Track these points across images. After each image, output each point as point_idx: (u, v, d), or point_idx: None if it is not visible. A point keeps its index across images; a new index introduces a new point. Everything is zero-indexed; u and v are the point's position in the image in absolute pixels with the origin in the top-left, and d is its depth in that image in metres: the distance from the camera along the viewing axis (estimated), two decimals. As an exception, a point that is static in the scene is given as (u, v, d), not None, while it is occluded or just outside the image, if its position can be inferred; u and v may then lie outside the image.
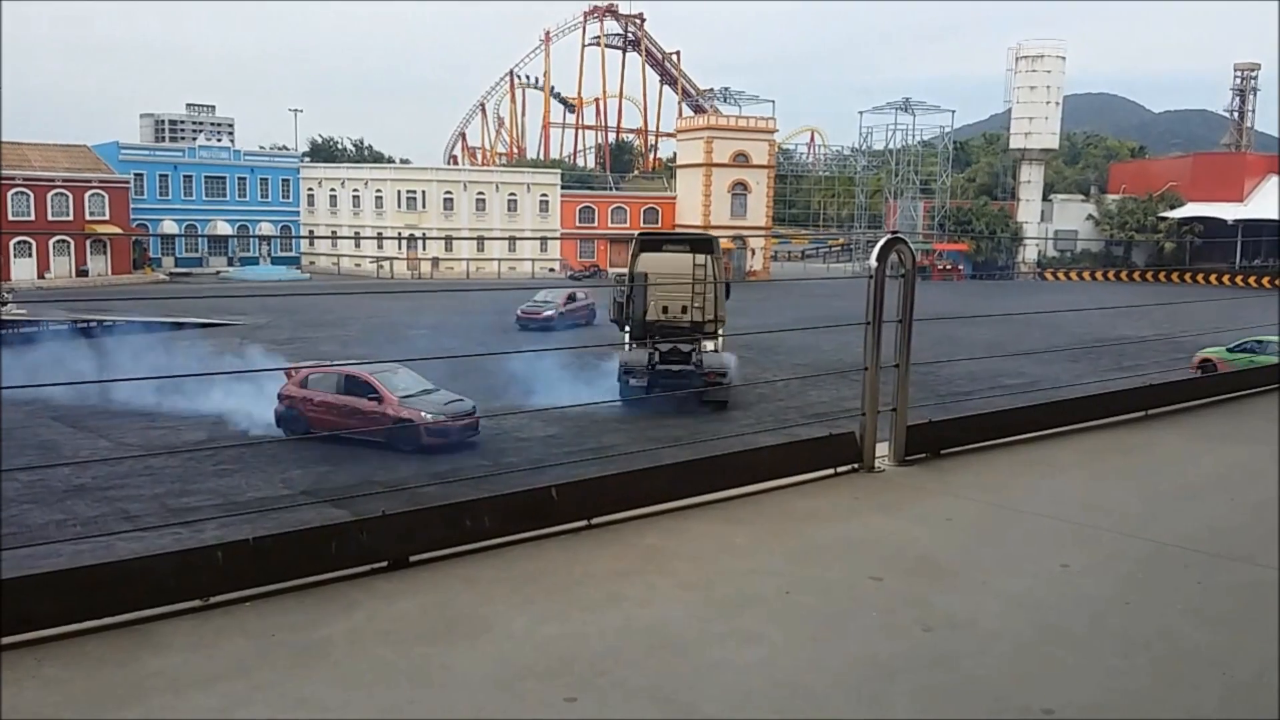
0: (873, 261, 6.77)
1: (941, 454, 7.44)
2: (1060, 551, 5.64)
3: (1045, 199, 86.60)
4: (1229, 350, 31.52)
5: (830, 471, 6.91)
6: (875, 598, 4.92)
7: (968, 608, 4.82)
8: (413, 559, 5.09)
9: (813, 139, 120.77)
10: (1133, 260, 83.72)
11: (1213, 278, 72.88)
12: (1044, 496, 6.80)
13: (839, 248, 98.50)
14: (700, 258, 29.24)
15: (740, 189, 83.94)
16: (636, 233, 39.15)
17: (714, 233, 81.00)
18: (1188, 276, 75.65)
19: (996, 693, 4.01)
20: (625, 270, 31.39)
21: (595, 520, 5.74)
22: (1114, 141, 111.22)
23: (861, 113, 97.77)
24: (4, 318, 43.56)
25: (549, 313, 43.89)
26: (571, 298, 46.05)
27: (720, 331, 28.76)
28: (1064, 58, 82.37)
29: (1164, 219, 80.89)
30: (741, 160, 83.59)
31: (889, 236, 6.85)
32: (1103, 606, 4.92)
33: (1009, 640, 4.49)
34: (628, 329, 29.01)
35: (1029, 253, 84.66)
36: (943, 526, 6.06)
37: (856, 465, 7.00)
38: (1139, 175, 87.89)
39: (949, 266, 79.43)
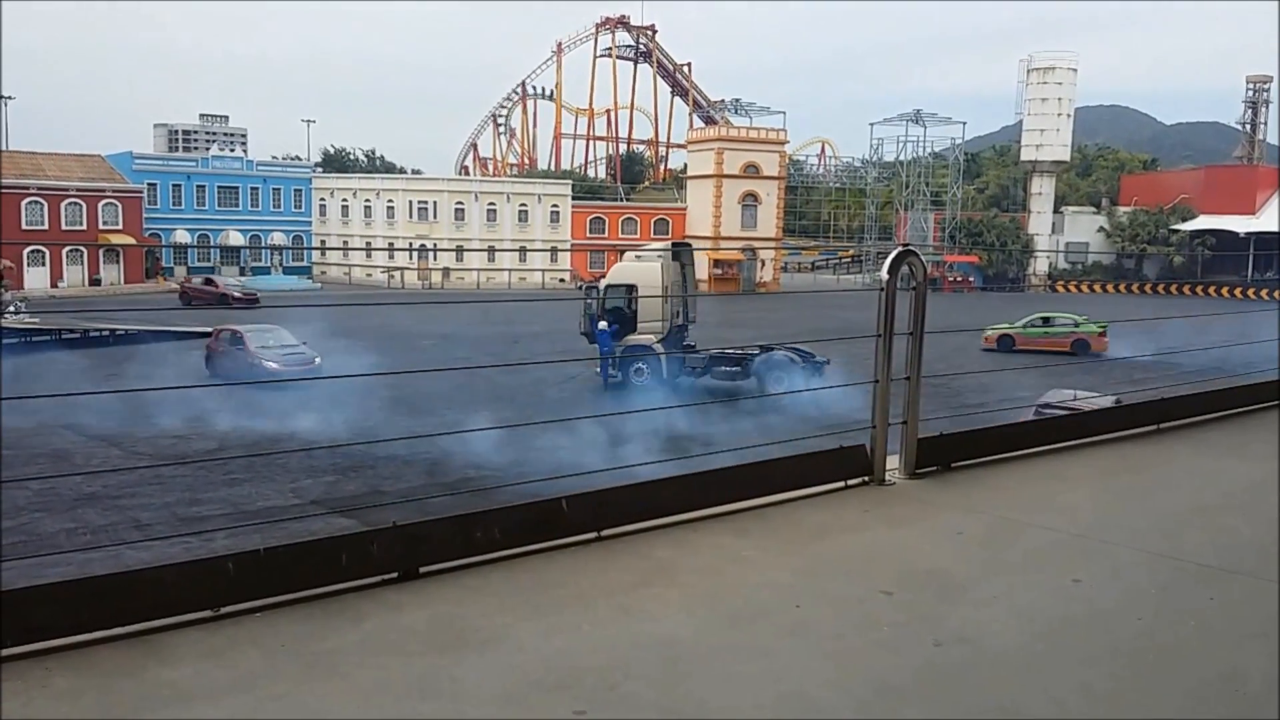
0: (884, 274, 6.75)
1: (952, 467, 7.41)
2: (1072, 566, 5.61)
3: (1056, 211, 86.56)
4: (1023, 326, 37.09)
5: (840, 484, 6.89)
6: (886, 612, 4.90)
7: (978, 622, 4.80)
8: (422, 570, 5.08)
9: (823, 150, 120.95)
10: (1144, 273, 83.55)
11: (1224, 290, 72.64)
12: (1055, 511, 6.76)
13: (849, 259, 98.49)
14: (682, 263, 33.68)
15: (751, 200, 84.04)
16: (671, 242, 40.74)
17: (724, 244, 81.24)
18: (1199, 289, 75.50)
19: (1008, 708, 3.99)
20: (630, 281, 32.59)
21: (605, 532, 5.74)
22: (1126, 154, 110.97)
23: (872, 124, 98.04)
24: (19, 326, 43.84)
25: (316, 359, 33.10)
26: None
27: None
28: (1075, 70, 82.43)
29: (1175, 232, 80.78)
30: (752, 171, 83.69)
31: (900, 249, 6.83)
32: (1115, 622, 4.89)
33: (1020, 655, 4.47)
34: (656, 333, 31.25)
35: (1040, 265, 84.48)
36: (953, 540, 6.04)
37: (866, 478, 6.97)
38: (1150, 187, 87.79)
39: (960, 278, 79.36)
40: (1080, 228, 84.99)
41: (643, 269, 32.91)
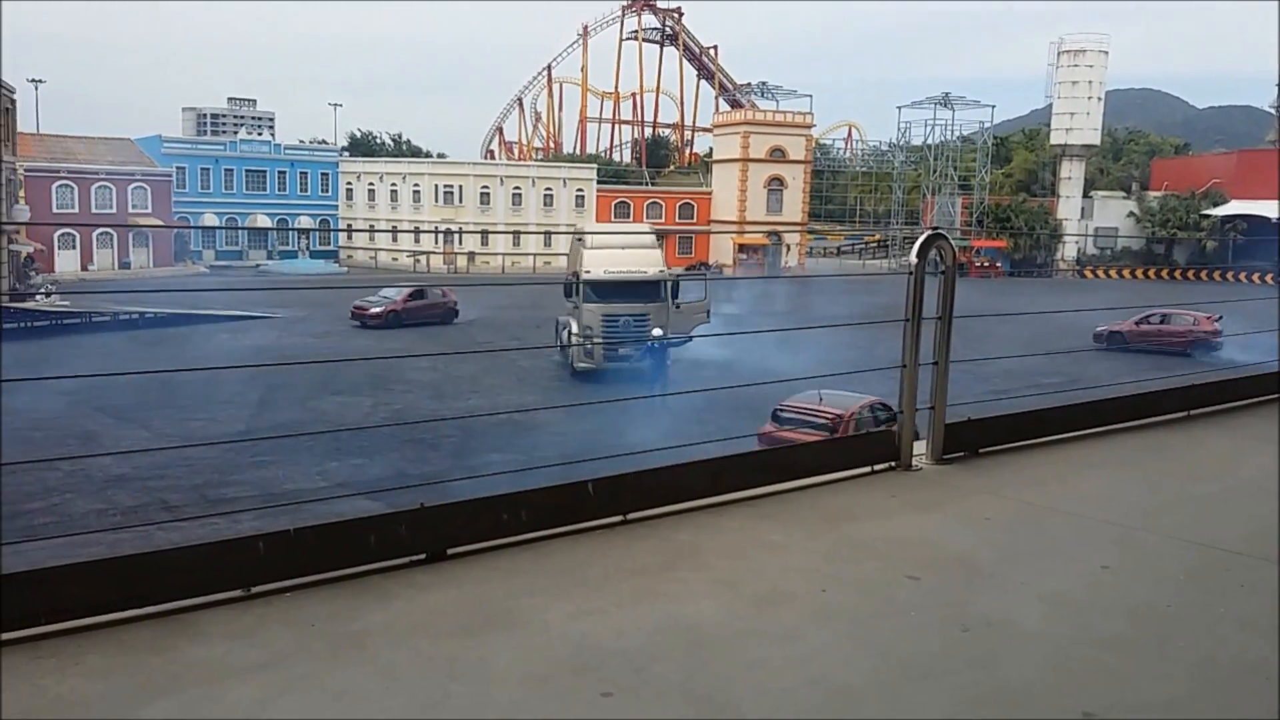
0: (912, 258, 6.70)
1: (979, 453, 7.37)
2: (1100, 553, 5.58)
3: (1086, 196, 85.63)
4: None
5: (867, 469, 6.86)
6: (912, 597, 4.89)
7: (1006, 608, 4.78)
8: (450, 552, 5.11)
9: (850, 134, 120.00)
10: (1174, 258, 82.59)
11: (1255, 276, 71.63)
12: (1084, 497, 6.72)
13: (875, 244, 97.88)
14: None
15: (776, 184, 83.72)
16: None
17: (749, 228, 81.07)
18: (1230, 275, 74.57)
19: (1035, 695, 3.97)
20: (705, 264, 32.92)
21: (631, 516, 5.74)
22: (1157, 138, 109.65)
23: (900, 108, 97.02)
24: (50, 309, 44.31)
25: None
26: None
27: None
28: (1107, 52, 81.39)
29: (1207, 217, 79.74)
30: (778, 155, 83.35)
31: (929, 232, 6.78)
32: (1143, 609, 4.86)
33: (1048, 642, 4.44)
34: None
35: (1068, 250, 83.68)
36: (981, 526, 6.01)
37: (893, 463, 6.94)
38: (1182, 172, 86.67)
39: (987, 263, 78.76)
40: (1110, 213, 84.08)
41: (653, 255, 32.78)
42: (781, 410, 19.34)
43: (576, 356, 30.49)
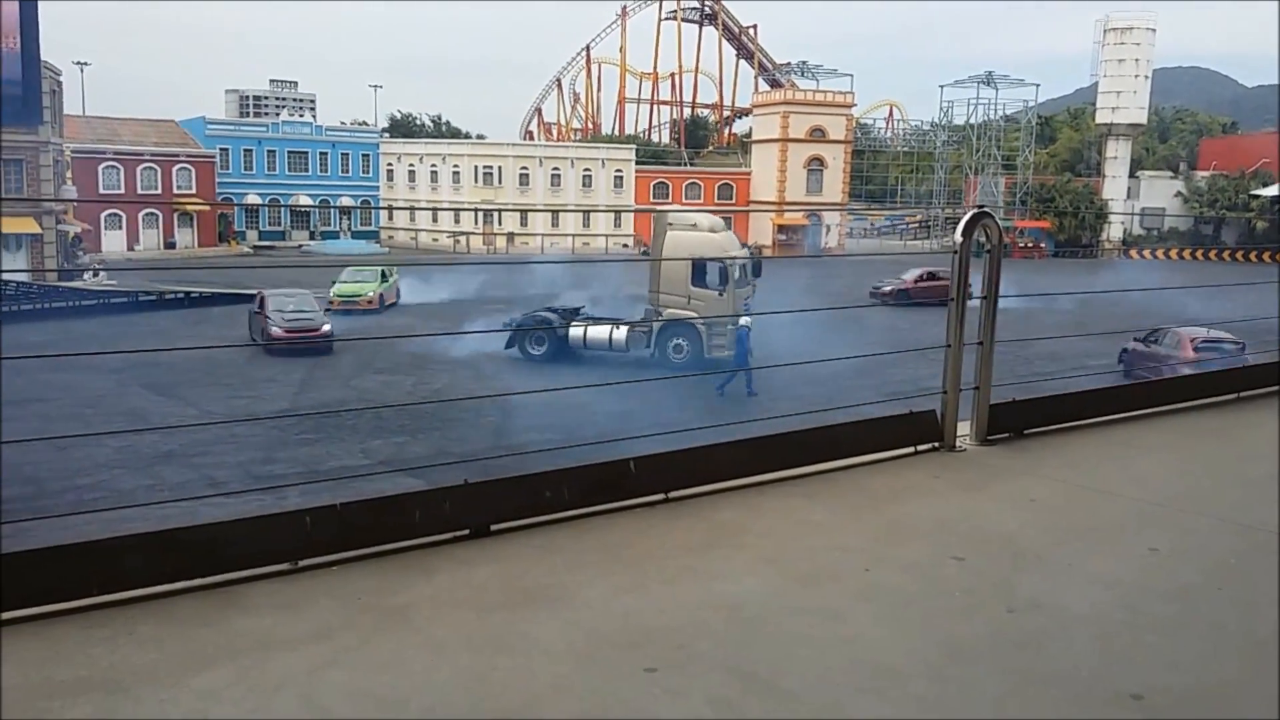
0: (958, 237, 6.63)
1: (1025, 434, 7.30)
2: (1148, 535, 5.51)
3: (1132, 176, 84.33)
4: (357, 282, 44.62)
5: (910, 450, 6.81)
6: (957, 577, 4.85)
7: (1053, 590, 4.73)
8: (493, 528, 5.13)
9: (891, 114, 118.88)
10: (1222, 239, 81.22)
11: (1308, 258, 70.25)
12: (1131, 479, 6.63)
13: (916, 224, 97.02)
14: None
15: (816, 164, 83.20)
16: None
17: (788, 209, 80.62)
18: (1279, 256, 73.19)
19: (1084, 676, 3.93)
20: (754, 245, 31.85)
21: (672, 494, 5.74)
22: (1205, 116, 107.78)
23: (942, 87, 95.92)
24: (98, 288, 44.98)
25: (325, 325, 32.10)
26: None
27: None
28: (1154, 30, 79.91)
29: (1256, 197, 78.29)
30: (818, 135, 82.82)
31: (975, 211, 6.69)
32: (1193, 592, 4.80)
33: (1096, 624, 4.40)
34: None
35: (1114, 231, 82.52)
36: (1026, 507, 5.95)
37: (937, 444, 6.88)
38: (1230, 151, 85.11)
39: (1031, 244, 77.92)
40: (1156, 193, 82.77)
41: (723, 238, 32.17)
42: (1199, 345, 22.03)
43: (725, 344, 29.08)
